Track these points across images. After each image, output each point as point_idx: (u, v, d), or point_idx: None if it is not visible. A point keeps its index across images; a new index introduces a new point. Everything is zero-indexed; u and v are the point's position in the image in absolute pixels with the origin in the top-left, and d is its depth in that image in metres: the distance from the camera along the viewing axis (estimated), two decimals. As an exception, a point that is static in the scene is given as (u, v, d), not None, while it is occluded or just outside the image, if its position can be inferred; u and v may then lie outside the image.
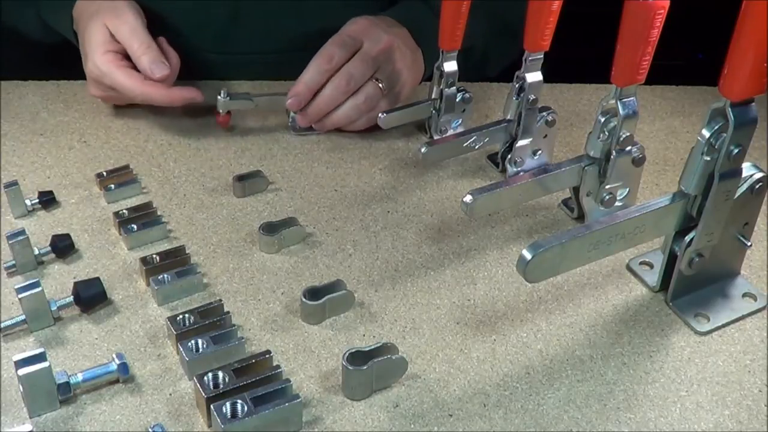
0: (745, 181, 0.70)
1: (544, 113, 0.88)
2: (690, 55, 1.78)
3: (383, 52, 0.94)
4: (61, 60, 1.08)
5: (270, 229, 0.81)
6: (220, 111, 0.96)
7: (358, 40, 0.94)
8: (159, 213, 0.84)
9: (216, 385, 0.65)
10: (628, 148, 0.78)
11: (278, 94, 0.96)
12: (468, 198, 0.75)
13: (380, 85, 0.93)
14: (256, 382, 0.65)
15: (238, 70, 1.07)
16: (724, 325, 0.74)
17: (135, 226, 0.81)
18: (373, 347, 0.67)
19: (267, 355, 0.67)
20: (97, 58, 0.92)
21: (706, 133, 0.67)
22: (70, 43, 1.02)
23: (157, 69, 0.91)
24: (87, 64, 0.94)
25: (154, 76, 0.91)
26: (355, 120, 0.95)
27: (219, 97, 0.95)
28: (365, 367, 0.66)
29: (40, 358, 0.64)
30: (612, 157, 0.78)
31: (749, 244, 0.75)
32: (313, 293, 0.73)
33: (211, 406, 0.62)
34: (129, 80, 0.92)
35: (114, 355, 0.68)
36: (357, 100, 0.94)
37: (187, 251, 0.79)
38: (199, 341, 0.69)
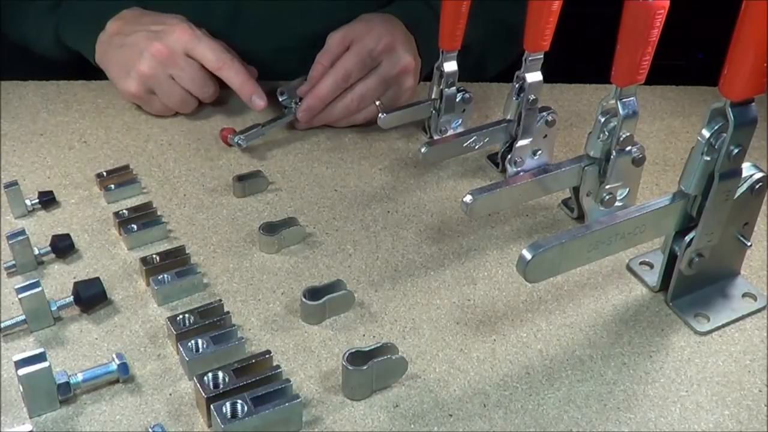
0: (745, 181, 0.70)
1: (544, 113, 0.88)
2: (690, 55, 1.78)
3: (398, 75, 0.96)
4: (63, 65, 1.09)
5: (270, 229, 0.81)
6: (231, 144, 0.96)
7: (377, 60, 0.95)
8: (159, 213, 0.84)
9: (216, 385, 0.65)
10: (628, 148, 0.78)
11: (284, 118, 0.97)
12: (468, 198, 0.75)
13: (378, 105, 0.96)
14: (256, 382, 0.65)
15: None
16: (724, 325, 0.74)
17: (135, 226, 0.81)
18: (373, 347, 0.67)
19: (267, 355, 0.67)
20: (182, 29, 0.94)
21: (706, 133, 0.67)
22: (79, 58, 1.03)
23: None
24: (154, 42, 0.93)
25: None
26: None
27: (235, 140, 0.95)
28: (365, 367, 0.66)
29: (40, 358, 0.64)
30: (612, 157, 0.78)
31: (749, 244, 0.75)
32: (313, 293, 0.73)
33: (211, 406, 0.62)
34: (215, 51, 0.94)
35: (114, 355, 0.68)
36: (357, 119, 0.98)
37: (187, 251, 0.79)
38: (199, 341, 0.69)
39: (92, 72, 1.04)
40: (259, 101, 0.95)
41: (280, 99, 0.98)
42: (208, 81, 0.96)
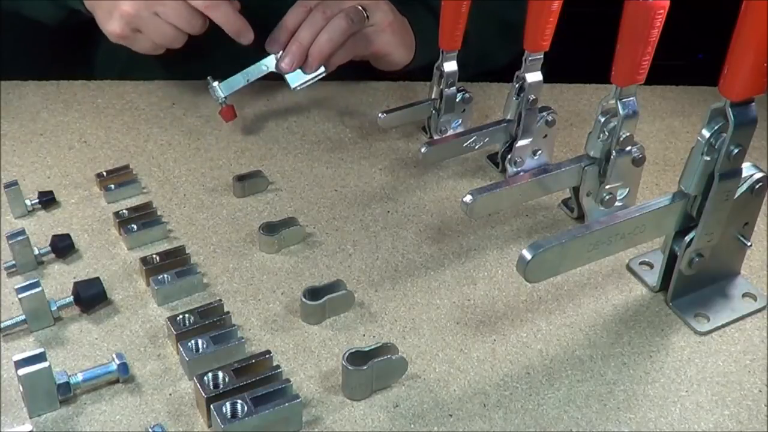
0: (745, 181, 0.70)
1: (544, 113, 0.88)
2: (690, 55, 1.78)
3: (366, 8, 0.96)
4: (61, 56, 1.08)
5: (270, 229, 0.81)
6: (219, 100, 0.96)
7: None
8: (159, 213, 0.84)
9: (216, 385, 0.65)
10: (628, 148, 0.78)
11: (263, 64, 0.96)
12: (468, 198, 0.75)
13: (351, 16, 0.95)
14: (256, 382, 0.65)
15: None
16: (724, 325, 0.74)
17: (135, 226, 0.81)
18: (373, 347, 0.67)
19: (267, 355, 0.67)
20: None
21: (706, 133, 0.67)
22: (73, 26, 1.01)
23: None
24: None
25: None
26: (331, 49, 0.96)
27: (213, 85, 0.94)
28: (365, 367, 0.66)
29: (40, 358, 0.64)
30: (612, 157, 0.78)
31: (749, 244, 0.75)
32: (313, 293, 0.73)
33: (211, 406, 0.62)
34: None
35: (114, 355, 0.68)
36: (331, 28, 0.95)
37: (187, 251, 0.79)
38: (199, 341, 0.69)
39: (91, 68, 1.04)
40: (249, 35, 0.93)
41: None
42: (195, 14, 0.92)
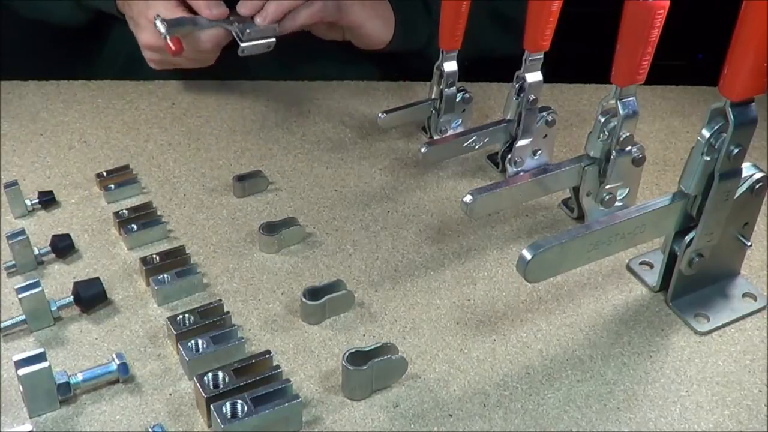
0: (745, 181, 0.70)
1: (544, 113, 0.88)
2: (690, 55, 1.77)
3: None
4: (62, 56, 1.08)
5: (270, 229, 0.81)
6: (162, 35, 0.92)
7: None
8: (159, 213, 0.84)
9: (216, 385, 0.65)
10: (628, 148, 0.78)
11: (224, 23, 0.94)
12: (468, 198, 0.75)
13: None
14: (256, 382, 0.65)
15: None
16: (724, 325, 0.74)
17: (135, 226, 0.81)
18: (373, 347, 0.67)
19: (267, 355, 0.67)
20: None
21: (706, 133, 0.67)
22: (87, 26, 1.03)
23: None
24: (141, 35, 0.96)
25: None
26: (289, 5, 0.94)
27: (156, 20, 0.92)
28: (365, 367, 0.66)
29: (40, 358, 0.64)
30: (612, 157, 0.78)
31: (749, 244, 0.75)
32: (313, 293, 0.73)
33: (211, 406, 0.62)
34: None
35: (114, 355, 0.68)
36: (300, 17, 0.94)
37: (187, 251, 0.79)
38: (199, 341, 0.69)
39: (91, 68, 1.04)
40: (215, 9, 0.92)
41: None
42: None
